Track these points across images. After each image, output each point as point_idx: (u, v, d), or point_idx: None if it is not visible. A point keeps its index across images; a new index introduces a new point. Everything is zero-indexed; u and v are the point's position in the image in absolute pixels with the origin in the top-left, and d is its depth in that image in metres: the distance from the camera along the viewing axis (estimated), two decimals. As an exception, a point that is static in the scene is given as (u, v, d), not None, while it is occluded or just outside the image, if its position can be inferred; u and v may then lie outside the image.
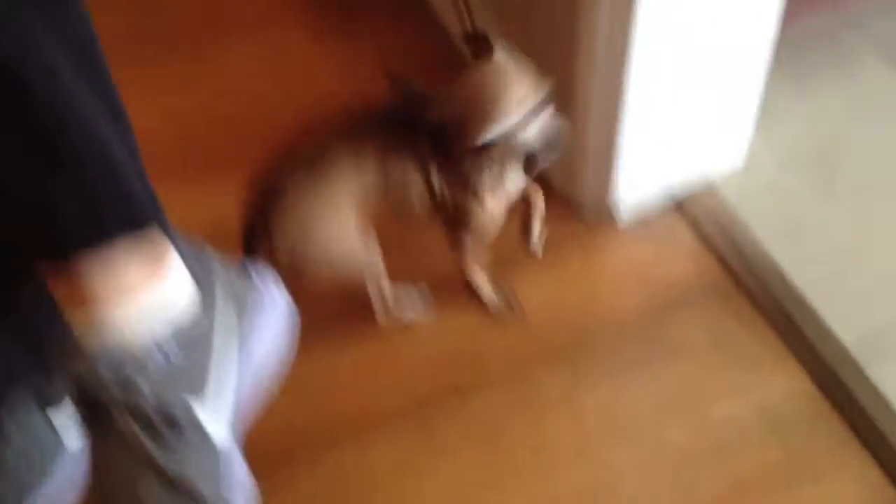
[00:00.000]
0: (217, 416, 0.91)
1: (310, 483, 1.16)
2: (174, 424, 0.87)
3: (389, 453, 1.19)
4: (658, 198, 1.40)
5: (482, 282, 1.28)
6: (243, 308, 0.97)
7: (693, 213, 1.39)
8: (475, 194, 1.12)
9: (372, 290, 1.24)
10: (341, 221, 1.13)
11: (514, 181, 1.14)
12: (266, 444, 1.18)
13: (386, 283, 1.23)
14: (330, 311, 1.32)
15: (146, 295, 0.83)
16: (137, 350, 0.82)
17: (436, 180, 1.12)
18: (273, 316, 1.00)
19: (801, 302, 1.27)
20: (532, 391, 1.22)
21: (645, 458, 1.14)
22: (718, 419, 1.17)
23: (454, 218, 1.17)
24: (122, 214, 0.80)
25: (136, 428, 0.85)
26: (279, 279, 1.03)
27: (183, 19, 1.74)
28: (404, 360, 1.28)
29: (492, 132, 1.01)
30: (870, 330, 1.23)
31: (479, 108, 1.02)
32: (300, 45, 1.70)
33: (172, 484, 0.86)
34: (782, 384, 1.19)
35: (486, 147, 1.03)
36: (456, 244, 1.21)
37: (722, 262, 1.33)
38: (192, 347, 0.88)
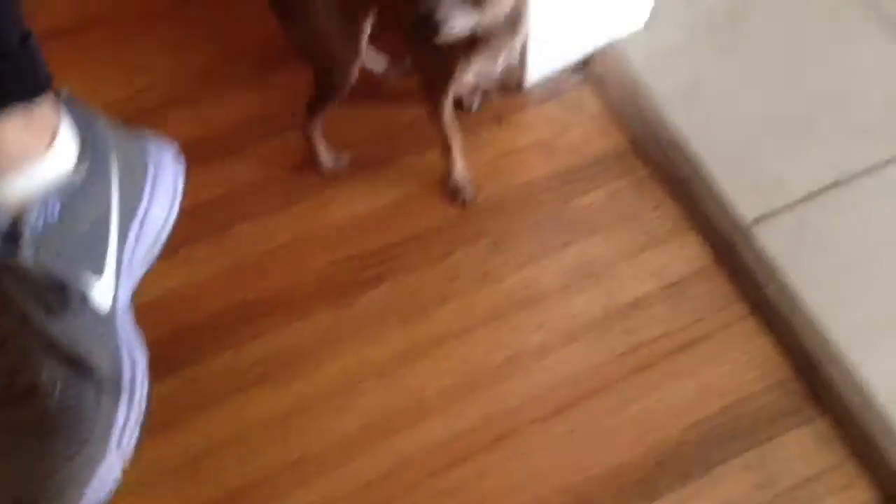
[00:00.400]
0: (111, 287, 0.95)
1: (231, 361, 1.22)
2: (65, 295, 0.90)
3: (314, 327, 1.24)
4: (565, 63, 1.42)
5: (449, 130, 1.24)
6: (138, 177, 1.01)
7: (598, 76, 1.43)
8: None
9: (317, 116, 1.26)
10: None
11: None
12: (195, 323, 1.24)
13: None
14: (246, 196, 1.35)
15: (34, 164, 0.86)
16: (23, 214, 0.86)
17: None
18: (167, 180, 1.05)
19: (697, 168, 1.34)
20: (451, 268, 1.29)
21: (557, 330, 1.23)
22: (621, 289, 1.26)
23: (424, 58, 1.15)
24: (11, 87, 0.83)
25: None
26: (173, 144, 1.07)
27: None
28: (326, 234, 1.32)
29: None
30: (757, 193, 1.32)
31: None
32: None
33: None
34: (680, 253, 1.28)
35: None
36: (428, 92, 1.19)
37: (626, 128, 1.39)
38: (81, 215, 0.91)
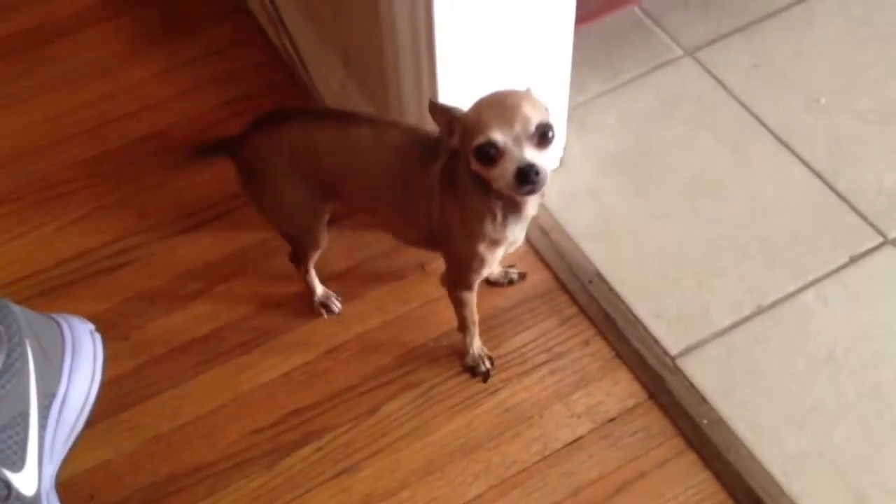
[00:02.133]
0: (35, 474, 0.92)
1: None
2: None
3: (239, 496, 1.20)
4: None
5: (472, 316, 1.25)
6: (55, 360, 0.98)
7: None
8: (473, 231, 1.09)
9: (303, 268, 1.30)
10: (306, 192, 1.16)
11: (514, 231, 1.11)
12: (117, 502, 1.20)
13: (313, 275, 1.31)
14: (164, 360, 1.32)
15: None
16: None
17: (434, 211, 1.10)
18: (84, 360, 1.02)
19: (619, 304, 1.35)
20: (379, 423, 1.26)
21: (495, 479, 1.21)
22: (556, 431, 1.24)
23: (445, 253, 1.17)
24: None
25: None
26: (89, 323, 1.04)
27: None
28: (249, 400, 1.29)
29: (488, 136, 0.96)
30: (681, 326, 1.33)
31: (485, 114, 0.98)
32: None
33: None
34: (613, 391, 1.27)
35: (485, 161, 0.98)
36: (450, 282, 1.20)
37: (549, 268, 1.40)
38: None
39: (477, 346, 1.28)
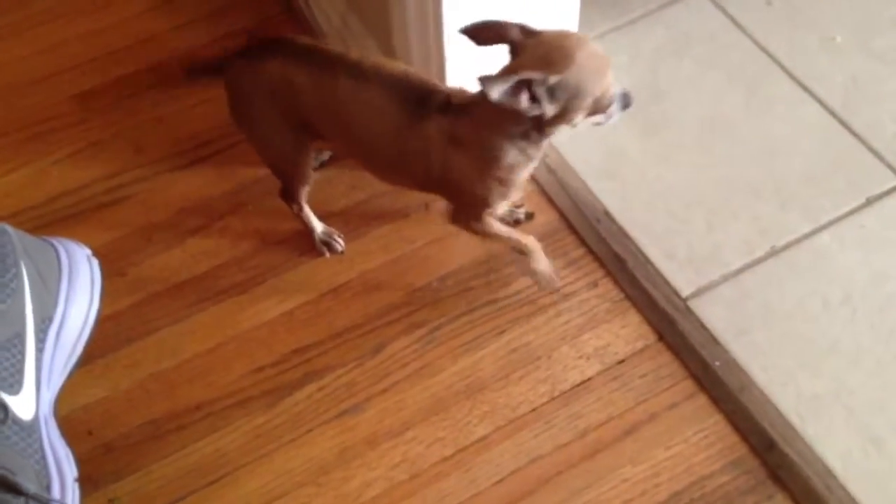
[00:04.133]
0: (32, 398, 0.91)
1: (160, 473, 1.15)
2: None
3: (240, 435, 1.18)
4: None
5: (507, 233, 1.21)
6: (52, 283, 0.97)
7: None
8: (488, 175, 1.08)
9: (295, 204, 1.27)
10: (288, 127, 1.15)
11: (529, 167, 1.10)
12: (115, 438, 1.17)
13: (308, 212, 1.29)
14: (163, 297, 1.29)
15: None
16: None
17: (436, 167, 1.09)
18: (81, 284, 1.00)
19: (628, 244, 1.32)
20: (383, 363, 1.23)
21: (498, 419, 1.18)
22: (564, 373, 1.21)
23: (453, 197, 1.16)
24: None
25: None
26: (85, 247, 1.02)
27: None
28: (250, 339, 1.26)
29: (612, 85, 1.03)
30: (692, 267, 1.30)
31: (594, 68, 1.02)
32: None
33: None
34: (622, 333, 1.25)
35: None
36: (468, 221, 1.18)
37: (556, 208, 1.36)
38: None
39: (544, 264, 1.23)
